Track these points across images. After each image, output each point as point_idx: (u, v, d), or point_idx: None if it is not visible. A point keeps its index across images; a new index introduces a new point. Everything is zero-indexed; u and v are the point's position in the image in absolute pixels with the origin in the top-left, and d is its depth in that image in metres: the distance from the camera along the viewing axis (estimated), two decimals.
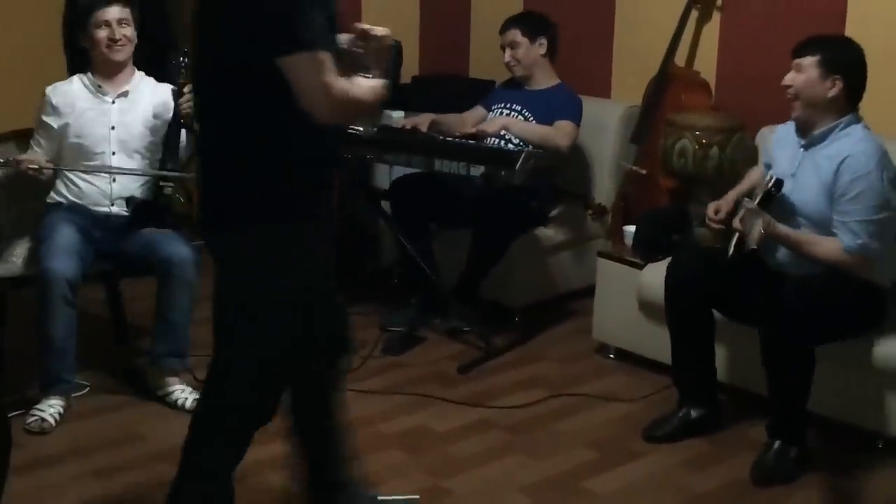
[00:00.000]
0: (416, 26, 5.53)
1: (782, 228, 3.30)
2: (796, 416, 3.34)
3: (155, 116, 3.78)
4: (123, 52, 3.73)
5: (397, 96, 5.12)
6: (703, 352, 3.53)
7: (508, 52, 4.47)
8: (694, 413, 3.52)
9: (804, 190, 3.32)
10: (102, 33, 3.68)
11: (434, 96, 4.93)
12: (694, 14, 4.57)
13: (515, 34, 4.45)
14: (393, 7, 5.42)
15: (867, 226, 3.19)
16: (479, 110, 4.64)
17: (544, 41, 4.48)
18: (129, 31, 3.73)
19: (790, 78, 3.32)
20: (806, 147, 3.35)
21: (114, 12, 3.69)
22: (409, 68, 5.38)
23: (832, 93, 3.26)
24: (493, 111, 4.57)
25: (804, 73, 3.28)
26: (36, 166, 3.64)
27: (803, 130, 3.37)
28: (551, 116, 4.40)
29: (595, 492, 3.21)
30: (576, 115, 4.43)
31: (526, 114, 4.44)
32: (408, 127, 4.40)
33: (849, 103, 3.30)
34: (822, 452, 3.41)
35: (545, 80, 4.51)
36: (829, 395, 3.40)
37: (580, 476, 3.29)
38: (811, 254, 3.27)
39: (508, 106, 4.51)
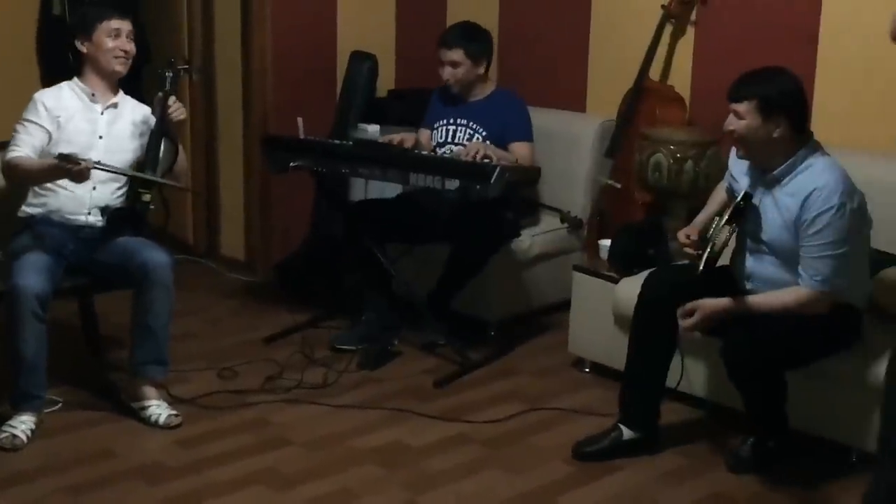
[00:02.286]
0: (392, 40, 5.53)
1: (744, 303, 3.26)
2: (771, 419, 3.38)
3: (134, 129, 3.79)
4: (125, 66, 3.75)
5: (373, 110, 5.16)
6: (656, 374, 3.51)
7: (448, 69, 4.37)
8: (626, 435, 3.49)
9: (768, 226, 3.29)
10: (112, 43, 3.69)
11: (410, 110, 4.93)
12: (668, 29, 4.59)
13: (458, 54, 4.35)
14: (368, 20, 5.43)
15: (829, 261, 3.15)
16: (424, 133, 4.60)
17: (485, 63, 4.44)
18: (133, 47, 3.76)
19: (731, 123, 3.25)
20: (764, 186, 3.31)
21: (125, 24, 3.72)
22: (386, 82, 5.39)
23: (777, 133, 3.19)
24: (436, 129, 4.53)
25: (745, 119, 3.20)
26: (89, 167, 3.43)
27: (758, 170, 3.33)
28: (500, 126, 4.36)
29: None
30: (528, 132, 4.41)
31: (474, 126, 4.41)
32: (395, 142, 4.37)
33: (797, 134, 3.23)
34: (796, 465, 3.43)
35: (482, 89, 4.47)
36: (803, 410, 3.42)
37: (557, 490, 3.29)
38: (784, 310, 3.22)
39: (453, 121, 4.47)
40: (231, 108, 5.34)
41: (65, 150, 3.61)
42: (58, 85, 3.79)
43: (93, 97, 3.75)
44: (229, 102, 5.35)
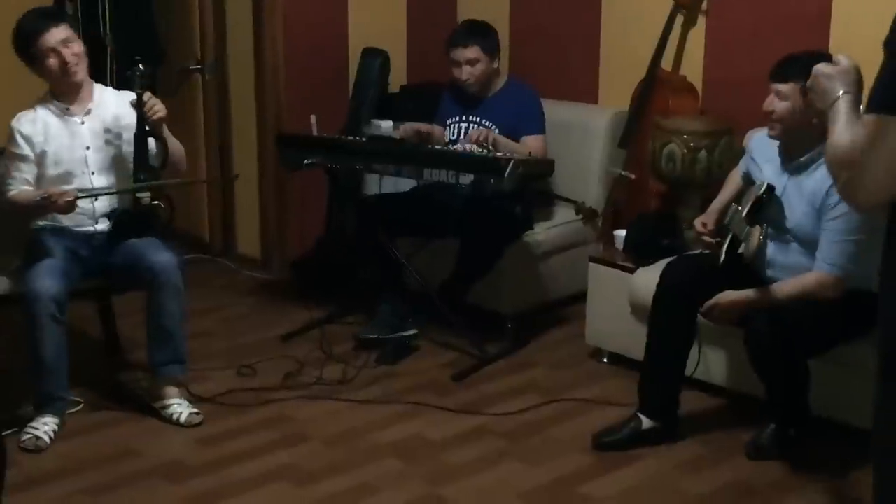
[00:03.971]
0: (404, 35, 5.53)
1: (762, 293, 3.25)
2: (793, 407, 3.38)
3: (124, 124, 3.69)
4: (80, 71, 3.63)
5: (385, 106, 5.17)
6: (675, 363, 3.52)
7: (467, 69, 4.33)
8: (645, 424, 3.49)
9: (792, 212, 3.29)
10: (53, 61, 3.57)
11: (423, 105, 4.93)
12: (680, 18, 4.58)
13: (475, 51, 4.32)
14: (380, 16, 5.43)
15: (845, 246, 3.17)
16: (438, 128, 4.56)
17: (498, 57, 4.44)
18: (77, 46, 3.62)
19: (771, 103, 3.22)
20: (791, 172, 3.31)
21: (56, 35, 3.56)
22: (398, 77, 5.39)
23: (817, 119, 3.12)
24: (448, 126, 4.52)
25: (787, 100, 3.19)
26: (70, 197, 3.48)
27: (786, 153, 3.33)
28: (513, 119, 4.35)
29: (592, 497, 3.21)
30: (540, 125, 4.40)
31: (487, 123, 4.39)
32: (423, 130, 4.34)
33: None
34: (817, 452, 3.43)
35: (496, 84, 4.46)
36: (823, 396, 3.41)
37: (577, 481, 3.30)
38: (799, 296, 3.22)
39: (465, 119, 4.46)
40: (244, 107, 5.35)
41: (55, 170, 3.62)
42: (32, 106, 3.68)
43: (67, 111, 3.68)
44: (243, 101, 5.36)
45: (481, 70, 4.37)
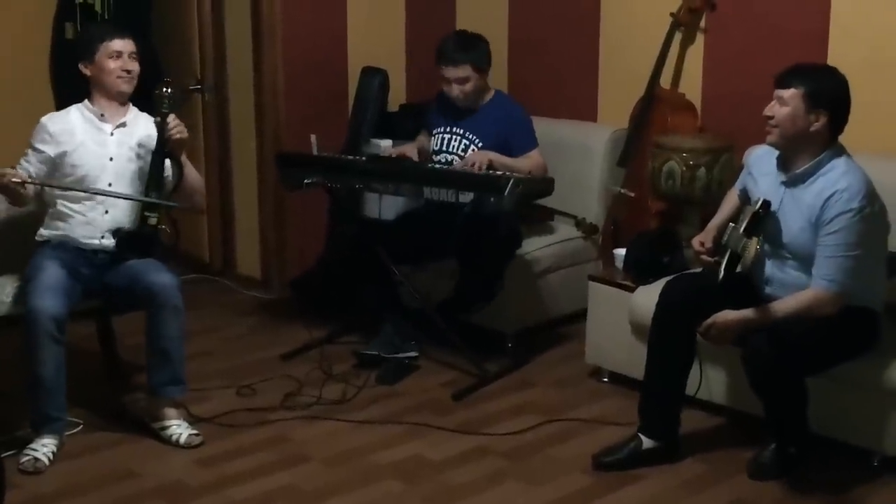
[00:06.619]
0: (403, 54, 5.55)
1: (759, 312, 3.25)
2: (793, 426, 3.37)
3: (145, 147, 3.76)
4: (131, 85, 3.76)
5: (385, 125, 5.17)
6: (676, 382, 3.51)
7: (456, 87, 4.31)
8: (646, 444, 3.48)
9: (789, 227, 3.29)
10: (114, 63, 3.70)
11: (421, 124, 4.93)
12: (678, 36, 4.59)
13: (466, 70, 4.30)
14: (378, 36, 5.44)
15: (841, 261, 3.16)
16: (424, 137, 4.58)
17: (488, 70, 4.42)
18: (135, 65, 3.76)
19: (772, 109, 3.24)
20: (787, 184, 3.30)
21: (126, 45, 3.72)
22: (397, 96, 5.40)
23: (815, 127, 3.19)
24: (434, 136, 4.51)
25: (787, 106, 3.20)
26: (18, 180, 3.49)
27: (784, 165, 3.33)
28: (501, 139, 4.32)
29: None
30: (533, 139, 4.38)
31: (470, 136, 4.39)
32: (394, 155, 4.39)
33: (830, 136, 3.24)
34: (818, 470, 3.42)
35: (484, 97, 4.44)
36: (823, 414, 3.41)
37: (578, 501, 3.28)
38: (797, 314, 3.21)
39: (448, 130, 4.45)
40: (244, 127, 5.36)
41: (72, 172, 3.66)
42: (67, 109, 3.80)
43: (102, 117, 3.76)
44: (242, 121, 5.36)
45: (471, 88, 4.35)
